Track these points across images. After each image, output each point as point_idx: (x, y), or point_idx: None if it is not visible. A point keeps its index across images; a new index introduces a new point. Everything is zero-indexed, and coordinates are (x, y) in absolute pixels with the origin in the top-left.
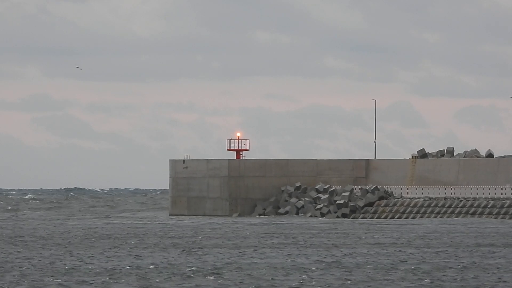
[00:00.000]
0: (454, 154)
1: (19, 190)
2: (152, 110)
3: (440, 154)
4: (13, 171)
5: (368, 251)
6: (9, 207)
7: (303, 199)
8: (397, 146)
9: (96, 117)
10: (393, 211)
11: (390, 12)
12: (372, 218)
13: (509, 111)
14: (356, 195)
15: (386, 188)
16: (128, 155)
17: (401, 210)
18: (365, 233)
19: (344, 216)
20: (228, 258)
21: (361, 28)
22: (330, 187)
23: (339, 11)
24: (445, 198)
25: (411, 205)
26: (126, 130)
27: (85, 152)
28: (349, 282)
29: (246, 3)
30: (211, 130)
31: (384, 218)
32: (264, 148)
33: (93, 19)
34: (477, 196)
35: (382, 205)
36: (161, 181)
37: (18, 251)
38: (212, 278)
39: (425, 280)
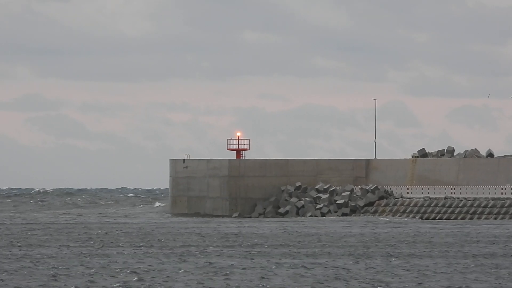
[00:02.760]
0: (454, 154)
1: (25, 189)
2: (146, 110)
3: (440, 153)
4: (10, 171)
5: None
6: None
7: (303, 199)
8: (392, 146)
9: (90, 117)
10: (393, 210)
11: (376, 12)
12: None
13: (503, 110)
14: (356, 195)
15: (386, 188)
16: (124, 155)
17: (401, 210)
18: None
19: (344, 216)
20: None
21: (348, 28)
22: (330, 186)
23: (325, 11)
24: (445, 198)
25: (411, 205)
26: (120, 130)
27: (81, 152)
28: None
29: (230, 3)
30: (205, 130)
31: (385, 217)
32: (259, 148)
33: (80, 19)
34: (477, 196)
35: (382, 204)
36: (159, 180)
37: None
38: None
39: None
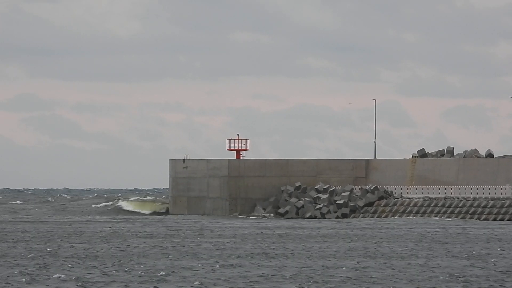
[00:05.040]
0: (454, 154)
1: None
2: (140, 110)
3: (440, 154)
4: (7, 171)
5: None
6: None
7: (303, 199)
8: (388, 146)
9: (84, 117)
10: (393, 211)
11: (364, 13)
12: (372, 218)
13: (498, 111)
14: (356, 195)
15: (386, 188)
16: (120, 155)
17: (401, 210)
18: None
19: (344, 216)
20: None
21: (337, 29)
22: (330, 187)
23: (313, 12)
24: (445, 198)
25: (411, 205)
26: (115, 130)
27: (77, 152)
28: None
29: (216, 4)
30: (200, 130)
31: (384, 218)
32: (254, 148)
33: (69, 19)
34: (477, 196)
35: (382, 205)
36: (156, 180)
37: None
38: None
39: None
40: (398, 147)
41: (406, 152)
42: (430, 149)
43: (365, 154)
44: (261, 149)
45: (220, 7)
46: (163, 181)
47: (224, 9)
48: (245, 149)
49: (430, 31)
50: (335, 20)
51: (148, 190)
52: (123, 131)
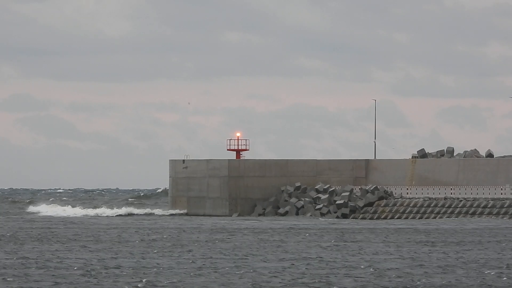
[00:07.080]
0: (454, 154)
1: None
2: (135, 110)
3: (440, 154)
4: (4, 171)
5: None
6: None
7: (303, 199)
8: (384, 146)
9: (79, 117)
10: (393, 211)
11: (353, 12)
12: (371, 218)
13: (492, 111)
14: (356, 195)
15: (386, 188)
16: (116, 156)
17: (401, 210)
18: None
19: (344, 216)
20: None
21: (328, 29)
22: (330, 187)
23: (302, 12)
24: (445, 198)
25: (411, 205)
26: (110, 130)
27: (73, 152)
28: None
29: (204, 4)
30: (195, 130)
31: (383, 218)
32: (251, 148)
33: (59, 19)
34: (477, 196)
35: (382, 205)
36: (154, 181)
37: None
38: None
39: None
40: (394, 147)
41: (402, 152)
42: (426, 149)
43: (361, 154)
44: (258, 149)
45: (209, 7)
46: (160, 182)
47: (213, 9)
48: (245, 149)
49: (421, 31)
50: (324, 20)
51: (147, 191)
52: (118, 131)
